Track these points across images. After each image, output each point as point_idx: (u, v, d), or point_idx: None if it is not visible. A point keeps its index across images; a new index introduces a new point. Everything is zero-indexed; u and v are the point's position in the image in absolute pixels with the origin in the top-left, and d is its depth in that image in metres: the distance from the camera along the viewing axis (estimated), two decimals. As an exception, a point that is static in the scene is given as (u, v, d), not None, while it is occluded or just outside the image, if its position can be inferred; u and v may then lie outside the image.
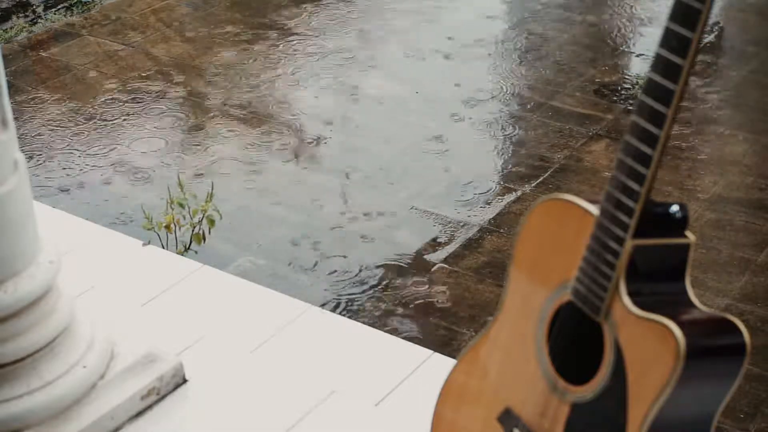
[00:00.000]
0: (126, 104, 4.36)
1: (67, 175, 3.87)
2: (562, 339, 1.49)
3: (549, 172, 3.88)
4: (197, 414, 2.12)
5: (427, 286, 3.28)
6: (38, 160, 3.95)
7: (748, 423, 2.78)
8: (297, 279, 3.32)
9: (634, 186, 1.32)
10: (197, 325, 2.36)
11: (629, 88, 4.48)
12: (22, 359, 1.92)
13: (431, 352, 2.32)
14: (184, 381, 2.18)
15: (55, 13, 5.14)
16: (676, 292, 1.39)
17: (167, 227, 3.23)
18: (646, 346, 1.32)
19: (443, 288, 3.27)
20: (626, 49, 4.90)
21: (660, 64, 1.27)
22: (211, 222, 3.28)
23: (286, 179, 3.86)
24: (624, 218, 1.34)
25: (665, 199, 3.56)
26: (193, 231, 3.30)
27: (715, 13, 5.17)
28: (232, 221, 3.56)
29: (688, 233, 1.39)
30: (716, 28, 5.07)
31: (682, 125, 4.13)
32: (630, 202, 1.33)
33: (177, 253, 3.00)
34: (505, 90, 4.48)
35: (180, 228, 3.27)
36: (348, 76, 4.60)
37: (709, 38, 4.94)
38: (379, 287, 3.28)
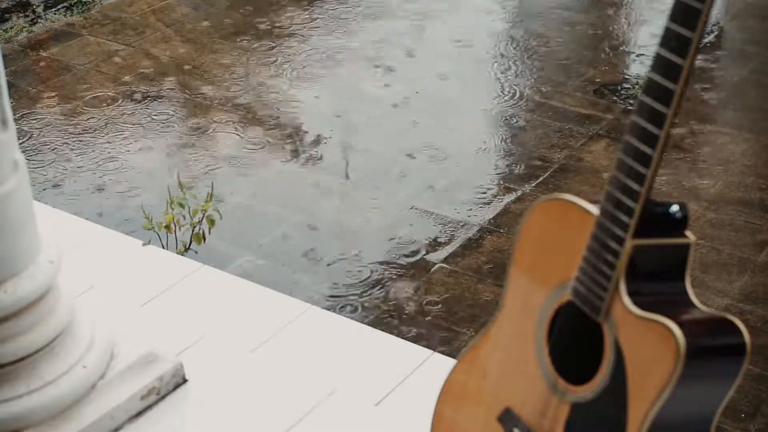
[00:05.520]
0: (126, 104, 4.36)
1: (68, 175, 3.87)
2: (562, 339, 1.49)
3: (549, 172, 3.88)
4: (197, 414, 2.12)
5: (426, 286, 3.28)
6: (38, 161, 3.95)
7: (748, 423, 2.78)
8: (297, 279, 3.32)
9: (634, 186, 1.32)
10: (197, 325, 2.36)
11: (629, 88, 4.48)
12: (22, 359, 1.92)
13: (431, 352, 2.32)
14: (184, 381, 2.18)
15: (55, 13, 5.14)
16: (676, 291, 1.39)
17: (167, 227, 3.23)
18: (647, 346, 1.32)
19: (443, 288, 3.27)
20: (626, 49, 4.90)
21: (660, 64, 1.27)
22: (211, 222, 3.28)
23: (286, 179, 3.86)
24: (624, 218, 1.34)
25: (665, 199, 3.56)
26: (193, 231, 3.30)
27: (715, 13, 5.17)
28: (232, 221, 3.55)
29: (688, 233, 1.39)
30: (716, 28, 5.07)
31: (682, 125, 4.13)
32: (630, 202, 1.33)
33: (177, 253, 3.00)
34: (505, 90, 4.48)
35: (180, 228, 3.27)
36: (348, 76, 4.60)
37: (709, 38, 4.93)
38: (379, 287, 3.28)
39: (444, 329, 3.09)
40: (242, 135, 4.14)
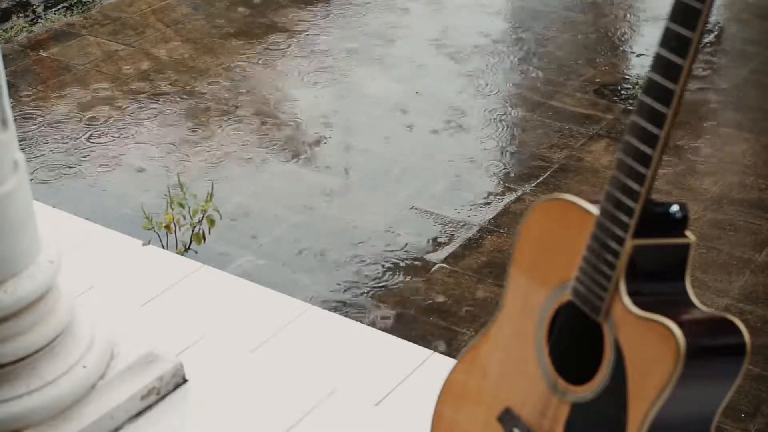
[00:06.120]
0: (126, 104, 4.36)
1: (67, 175, 3.87)
2: (562, 339, 1.49)
3: (549, 172, 3.88)
4: (197, 414, 2.12)
5: (426, 286, 3.28)
6: (38, 161, 3.95)
7: (748, 423, 2.78)
8: (297, 279, 3.32)
9: (634, 186, 1.32)
10: (197, 325, 2.36)
11: (629, 88, 4.48)
12: (22, 359, 1.92)
13: (431, 352, 2.32)
14: (184, 381, 2.18)
15: (55, 13, 5.14)
16: (676, 292, 1.39)
17: (167, 227, 3.23)
18: (647, 346, 1.32)
19: (443, 288, 3.27)
20: (626, 49, 4.90)
21: (660, 64, 1.27)
22: (211, 222, 3.28)
23: (286, 179, 3.86)
24: (624, 218, 1.34)
25: (665, 199, 3.56)
26: (193, 231, 3.30)
27: (715, 13, 5.17)
28: (232, 221, 3.56)
29: (688, 233, 1.39)
30: (716, 28, 5.07)
31: (682, 125, 4.13)
32: (630, 202, 1.33)
33: (177, 253, 3.00)
34: (505, 90, 4.48)
35: (180, 228, 3.27)
36: (348, 76, 4.60)
37: (709, 38, 4.93)
38: (379, 287, 3.28)
39: (444, 329, 3.09)
40: (242, 135, 4.14)
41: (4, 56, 4.65)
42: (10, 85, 4.04)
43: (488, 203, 3.71)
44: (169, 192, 3.36)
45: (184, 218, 3.29)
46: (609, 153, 3.97)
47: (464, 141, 4.09)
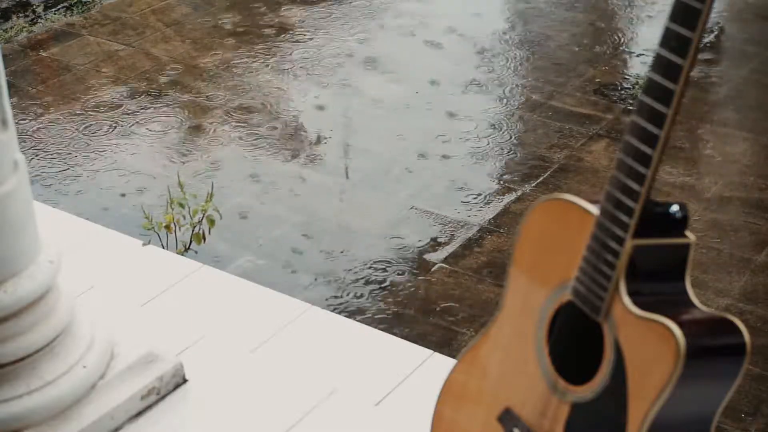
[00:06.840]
0: (126, 104, 4.36)
1: (67, 175, 3.87)
2: (562, 339, 1.49)
3: (549, 172, 3.88)
4: (197, 414, 2.12)
5: (426, 286, 3.28)
6: (38, 161, 3.95)
7: (749, 423, 2.78)
8: (297, 279, 3.32)
9: (634, 186, 1.32)
10: (197, 325, 2.36)
11: (629, 88, 4.48)
12: (22, 359, 1.92)
13: (431, 352, 2.32)
14: (184, 381, 2.18)
15: (55, 13, 5.14)
16: (676, 292, 1.39)
17: (167, 227, 3.24)
18: (647, 346, 1.32)
19: (443, 288, 3.27)
20: (626, 49, 4.90)
21: (660, 64, 1.27)
22: (211, 222, 3.29)
23: (286, 179, 3.86)
24: (624, 218, 1.34)
25: (665, 199, 3.56)
26: (193, 231, 3.30)
27: (715, 13, 5.17)
28: (232, 221, 3.56)
29: (688, 233, 1.39)
30: (716, 28, 5.07)
31: (682, 125, 4.13)
32: (630, 202, 1.33)
33: (177, 253, 3.00)
34: (505, 90, 4.48)
35: (180, 228, 3.28)
36: (348, 76, 4.60)
37: (709, 38, 4.93)
38: (379, 287, 3.28)
39: (444, 329, 3.09)
40: (242, 135, 4.14)
41: (4, 56, 4.64)
42: (10, 85, 4.03)
43: (488, 203, 3.71)
44: (169, 192, 3.36)
45: (184, 218, 3.29)
46: (609, 153, 3.97)
47: (464, 141, 4.09)
